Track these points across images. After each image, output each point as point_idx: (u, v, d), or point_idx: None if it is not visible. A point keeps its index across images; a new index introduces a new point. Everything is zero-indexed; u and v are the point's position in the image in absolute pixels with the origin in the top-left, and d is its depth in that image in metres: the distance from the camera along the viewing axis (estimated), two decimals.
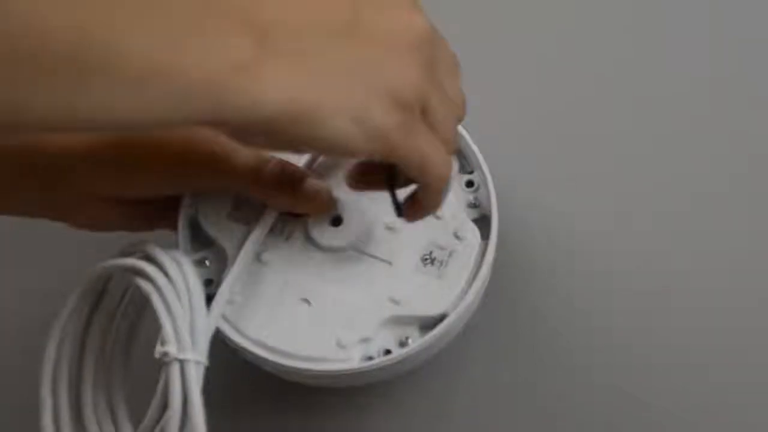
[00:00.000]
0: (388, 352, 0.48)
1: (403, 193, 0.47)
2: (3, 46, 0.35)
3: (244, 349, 0.48)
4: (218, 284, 0.48)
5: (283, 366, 0.48)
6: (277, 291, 0.49)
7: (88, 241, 0.54)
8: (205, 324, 0.46)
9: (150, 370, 0.45)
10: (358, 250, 0.50)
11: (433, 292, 0.49)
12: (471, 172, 0.52)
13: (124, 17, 0.37)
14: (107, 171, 0.50)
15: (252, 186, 0.50)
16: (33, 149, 0.50)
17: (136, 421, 0.47)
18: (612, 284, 0.57)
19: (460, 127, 0.49)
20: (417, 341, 0.48)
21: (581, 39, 0.62)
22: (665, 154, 0.59)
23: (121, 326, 0.49)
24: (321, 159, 0.52)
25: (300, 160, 0.51)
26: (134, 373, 0.49)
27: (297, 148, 0.45)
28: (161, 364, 0.44)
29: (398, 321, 0.49)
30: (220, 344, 0.48)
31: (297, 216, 0.51)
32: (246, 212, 0.50)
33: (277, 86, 0.40)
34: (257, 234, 0.49)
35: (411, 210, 0.47)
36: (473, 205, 0.51)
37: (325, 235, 0.50)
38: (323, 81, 0.41)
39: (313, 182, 0.50)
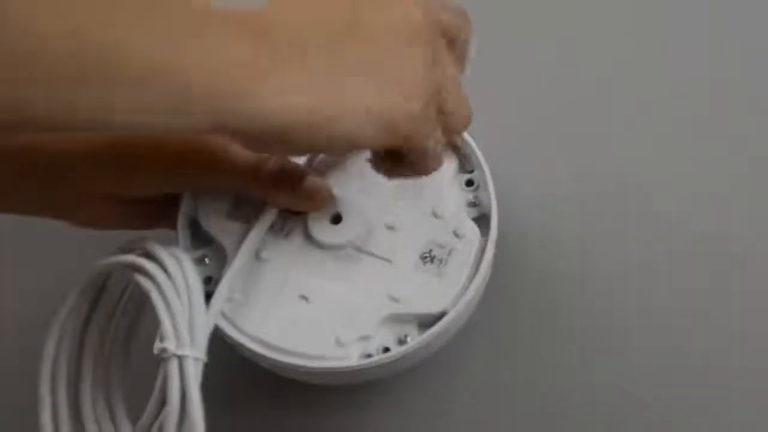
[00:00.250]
0: (387, 350, 0.48)
1: None
2: (2, 48, 0.35)
3: (243, 346, 0.48)
4: (217, 282, 0.48)
5: (281, 363, 0.48)
6: (276, 288, 0.49)
7: (88, 240, 0.54)
8: (204, 321, 0.46)
9: (149, 367, 0.45)
10: (358, 248, 0.50)
11: (433, 290, 0.49)
12: (471, 171, 0.52)
13: (124, 18, 0.37)
14: (107, 170, 0.50)
15: (251, 184, 0.50)
16: (33, 149, 0.50)
17: (134, 419, 0.47)
18: (612, 283, 0.57)
19: None
20: (416, 339, 0.48)
21: (581, 39, 0.62)
22: (665, 154, 0.59)
23: (120, 324, 0.49)
24: (321, 156, 0.52)
25: (300, 158, 0.51)
26: (133, 370, 0.49)
27: (313, 151, 0.45)
28: (160, 361, 0.44)
29: (397, 319, 0.49)
30: (218, 341, 0.48)
31: (297, 214, 0.51)
32: (245, 210, 0.50)
33: (283, 90, 0.40)
34: (257, 231, 0.49)
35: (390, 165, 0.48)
36: (473, 204, 0.51)
37: (325, 232, 0.50)
38: (332, 83, 0.41)
39: (312, 180, 0.50)
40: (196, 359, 0.44)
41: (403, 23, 0.44)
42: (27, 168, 0.50)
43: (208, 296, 0.47)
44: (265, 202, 0.50)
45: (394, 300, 0.49)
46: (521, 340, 0.56)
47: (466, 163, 0.52)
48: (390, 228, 0.50)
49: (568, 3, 0.63)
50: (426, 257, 0.50)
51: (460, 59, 0.47)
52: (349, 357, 0.48)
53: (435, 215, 0.51)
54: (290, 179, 0.50)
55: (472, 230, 0.50)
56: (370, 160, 0.48)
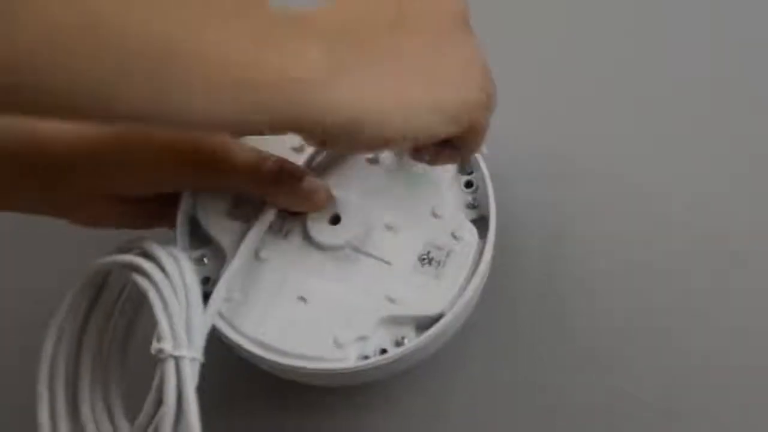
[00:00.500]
0: (384, 351, 0.48)
1: None
2: (92, 44, 0.36)
3: (240, 347, 0.48)
4: (216, 282, 0.48)
5: (279, 364, 0.48)
6: (274, 289, 0.49)
7: (88, 239, 0.54)
8: (202, 321, 0.46)
9: (147, 367, 0.45)
10: (356, 249, 0.50)
11: (431, 292, 0.49)
12: (470, 173, 0.52)
13: (210, 26, 0.38)
14: (107, 170, 0.50)
15: (251, 184, 0.50)
16: (33, 149, 0.50)
17: (132, 418, 0.47)
18: (611, 284, 0.57)
19: None
20: (413, 341, 0.48)
21: (582, 39, 0.61)
22: (665, 154, 0.59)
23: (118, 323, 0.49)
24: (320, 157, 0.52)
25: (299, 158, 0.51)
26: (131, 370, 0.49)
27: (381, 146, 0.45)
28: (157, 361, 0.44)
29: (395, 320, 0.49)
30: (215, 342, 0.48)
31: (295, 214, 0.51)
32: (245, 210, 0.50)
33: (354, 85, 0.41)
34: (255, 231, 0.49)
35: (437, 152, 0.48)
36: (472, 206, 0.51)
37: (324, 233, 0.50)
38: (396, 76, 0.43)
39: (311, 180, 0.50)
40: (192, 360, 0.44)
41: (447, 8, 0.45)
42: (27, 168, 0.50)
43: (207, 296, 0.48)
44: (265, 202, 0.50)
45: (392, 301, 0.49)
46: (520, 342, 0.56)
47: (465, 165, 0.52)
48: (389, 229, 0.50)
49: (569, 2, 0.62)
50: (424, 259, 0.50)
51: None
52: (347, 358, 0.48)
53: (434, 216, 0.50)
54: (289, 180, 0.50)
55: (470, 232, 0.50)
56: (397, 153, 0.49)
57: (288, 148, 0.51)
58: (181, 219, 0.51)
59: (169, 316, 0.45)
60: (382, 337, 0.49)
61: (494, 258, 0.51)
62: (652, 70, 0.60)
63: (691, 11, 0.61)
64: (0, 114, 0.41)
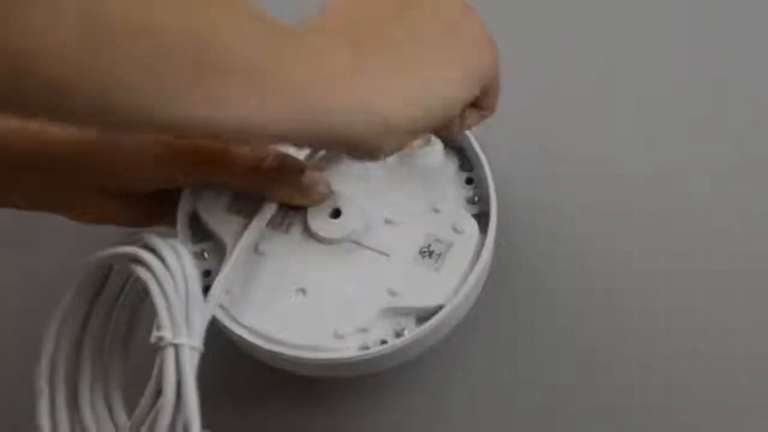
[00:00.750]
0: (384, 343, 0.48)
1: None
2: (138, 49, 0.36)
3: (240, 338, 0.48)
4: (216, 275, 0.48)
5: (279, 355, 0.48)
6: (274, 281, 0.49)
7: (88, 239, 0.54)
8: (202, 311, 0.46)
9: (149, 363, 0.45)
10: (357, 242, 0.50)
11: (431, 284, 0.49)
12: (471, 170, 0.52)
13: (239, 24, 0.39)
14: (108, 166, 0.50)
15: (252, 178, 0.50)
16: (35, 146, 0.50)
17: (131, 412, 0.46)
18: (611, 281, 0.57)
19: None
20: (413, 332, 0.48)
21: (582, 39, 0.62)
22: (666, 154, 0.59)
23: (120, 316, 0.49)
24: (321, 152, 0.52)
25: (299, 152, 0.51)
26: (132, 366, 0.49)
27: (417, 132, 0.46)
28: (156, 350, 0.44)
29: (395, 312, 0.49)
30: (215, 338, 0.48)
31: (296, 208, 0.51)
32: (245, 204, 0.51)
33: (381, 87, 0.42)
34: (256, 225, 0.49)
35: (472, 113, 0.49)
36: (473, 201, 0.52)
37: (324, 227, 0.50)
38: (416, 66, 0.44)
39: (311, 174, 0.50)
40: (192, 348, 0.44)
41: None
42: (28, 167, 0.50)
43: (207, 290, 0.47)
44: (265, 197, 0.50)
45: (392, 293, 0.49)
46: (520, 338, 0.56)
47: (465, 162, 0.53)
48: (389, 222, 0.50)
49: (569, 2, 0.63)
50: (425, 252, 0.50)
51: None
52: (347, 349, 0.48)
53: (434, 210, 0.51)
54: (290, 173, 0.50)
55: (471, 226, 0.50)
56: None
57: None
58: (181, 213, 0.51)
59: (169, 306, 0.45)
60: (383, 329, 0.48)
61: (494, 257, 0.51)
62: (651, 70, 0.60)
63: (690, 11, 0.61)
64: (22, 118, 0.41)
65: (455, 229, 0.50)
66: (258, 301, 0.49)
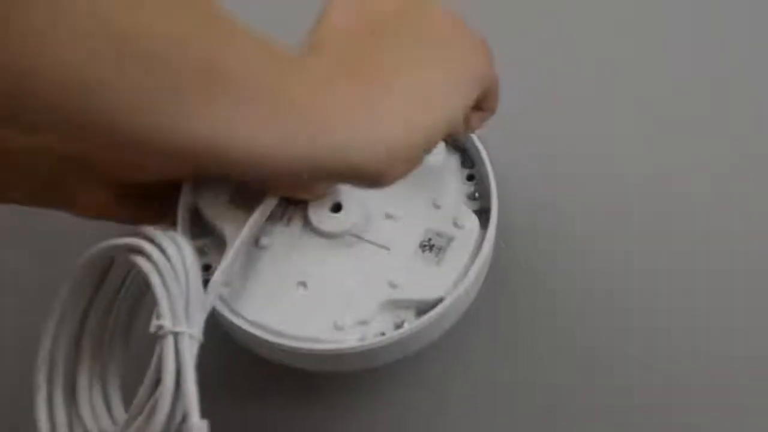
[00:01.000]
0: (383, 335, 0.48)
1: None
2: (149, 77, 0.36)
3: (240, 329, 0.48)
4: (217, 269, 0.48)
5: (277, 346, 0.48)
6: (275, 275, 0.49)
7: (89, 239, 0.54)
8: (202, 301, 0.46)
9: (147, 359, 0.45)
10: (357, 236, 0.50)
11: (431, 277, 0.49)
12: (472, 166, 0.52)
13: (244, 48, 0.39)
14: (108, 159, 0.50)
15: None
16: (36, 143, 0.50)
17: (128, 406, 0.46)
18: (611, 281, 0.57)
19: None
20: (412, 324, 0.48)
21: (582, 39, 0.62)
22: (666, 154, 0.59)
23: (120, 311, 0.49)
24: None
25: None
26: (132, 367, 0.49)
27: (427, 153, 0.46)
28: (156, 339, 0.44)
29: (396, 305, 0.49)
30: (214, 331, 0.47)
31: (297, 202, 0.51)
32: (246, 198, 0.50)
33: (381, 115, 0.42)
34: (256, 218, 0.49)
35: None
36: (473, 198, 0.52)
37: (325, 221, 0.50)
38: (415, 88, 0.44)
39: None
40: (191, 337, 0.44)
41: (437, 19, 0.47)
42: (29, 167, 0.50)
43: (207, 284, 0.47)
44: (266, 191, 0.50)
45: (393, 286, 0.49)
46: (520, 337, 0.56)
47: (467, 159, 0.53)
48: (389, 217, 0.51)
49: (569, 3, 0.63)
50: (425, 246, 0.50)
51: None
52: (347, 341, 0.48)
53: (435, 206, 0.51)
54: None
55: (472, 221, 0.50)
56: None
57: None
58: (182, 208, 0.51)
59: (170, 295, 0.45)
60: (383, 322, 0.48)
61: (494, 255, 0.51)
62: (651, 71, 0.61)
63: (690, 11, 0.62)
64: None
65: (456, 224, 0.50)
66: (258, 294, 0.49)
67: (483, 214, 0.51)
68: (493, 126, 0.51)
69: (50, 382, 0.47)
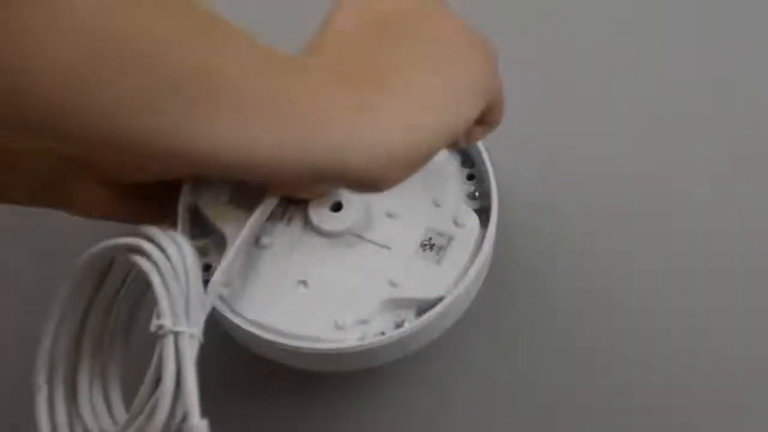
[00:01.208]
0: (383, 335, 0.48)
1: None
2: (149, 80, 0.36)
3: (240, 328, 0.48)
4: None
5: (277, 344, 0.48)
6: (275, 274, 0.49)
7: (89, 238, 0.54)
8: (202, 300, 0.46)
9: (147, 361, 0.45)
10: (358, 235, 0.50)
11: (431, 276, 0.49)
12: (472, 166, 0.52)
13: (243, 51, 0.39)
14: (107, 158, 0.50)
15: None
16: (35, 149, 0.50)
17: (129, 406, 0.46)
18: (611, 281, 0.57)
19: None
20: (413, 323, 0.48)
21: (582, 39, 0.62)
22: (666, 154, 0.59)
23: (120, 311, 0.49)
24: None
25: None
26: (132, 367, 0.49)
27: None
28: (156, 339, 0.44)
29: (396, 304, 0.49)
30: (214, 331, 0.48)
31: (297, 201, 0.51)
32: (246, 197, 0.50)
33: (381, 118, 0.42)
34: (256, 217, 0.49)
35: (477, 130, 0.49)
36: (473, 197, 0.52)
37: (326, 220, 0.50)
38: (418, 92, 0.44)
39: None
40: (192, 336, 0.44)
41: (440, 23, 0.46)
42: (30, 168, 0.50)
43: (207, 284, 0.47)
44: (266, 190, 0.50)
45: (393, 285, 0.49)
46: (520, 337, 0.56)
47: (467, 158, 0.53)
48: (390, 216, 0.51)
49: (569, 3, 0.63)
50: (426, 245, 0.50)
51: None
52: (347, 340, 0.48)
53: (435, 205, 0.51)
54: None
55: (472, 220, 0.50)
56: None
57: None
58: (182, 208, 0.51)
59: (170, 295, 0.45)
60: (383, 321, 0.48)
61: (494, 255, 0.51)
62: (652, 71, 0.61)
63: (690, 11, 0.62)
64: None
65: (456, 223, 0.50)
66: (259, 294, 0.49)
67: (483, 214, 0.51)
68: None
69: (50, 382, 0.47)
